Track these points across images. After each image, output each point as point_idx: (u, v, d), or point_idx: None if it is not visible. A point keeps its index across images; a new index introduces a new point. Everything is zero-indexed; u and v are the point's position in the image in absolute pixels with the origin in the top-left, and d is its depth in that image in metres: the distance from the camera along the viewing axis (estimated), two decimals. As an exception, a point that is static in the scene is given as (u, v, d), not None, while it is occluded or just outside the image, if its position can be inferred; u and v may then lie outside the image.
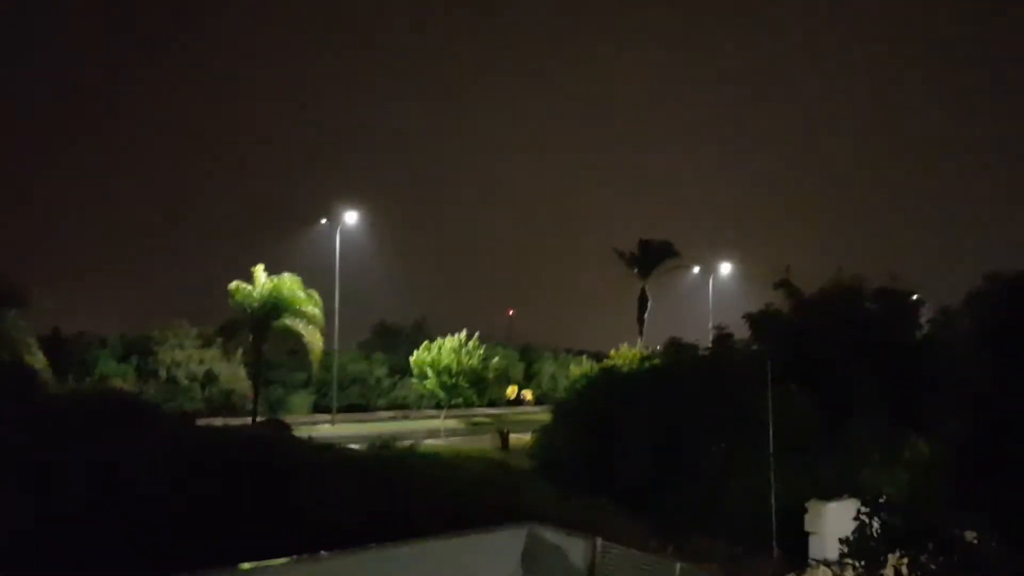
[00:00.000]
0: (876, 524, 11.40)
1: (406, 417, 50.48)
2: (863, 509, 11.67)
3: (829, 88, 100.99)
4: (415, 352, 43.22)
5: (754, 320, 22.48)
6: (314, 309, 35.59)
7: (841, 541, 11.76)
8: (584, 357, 54.08)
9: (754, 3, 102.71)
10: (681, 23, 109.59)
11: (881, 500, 11.96)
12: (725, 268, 68.28)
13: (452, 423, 44.75)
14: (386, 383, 56.80)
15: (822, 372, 19.77)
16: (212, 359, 45.69)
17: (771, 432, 16.92)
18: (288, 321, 34.63)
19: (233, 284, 35.18)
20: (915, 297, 22.30)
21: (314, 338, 35.68)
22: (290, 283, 35.26)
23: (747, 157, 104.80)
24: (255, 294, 34.83)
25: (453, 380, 41.95)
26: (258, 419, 34.28)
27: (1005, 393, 16.45)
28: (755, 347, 22.09)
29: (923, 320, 21.94)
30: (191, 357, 45.96)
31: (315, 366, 37.82)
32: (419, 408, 55.44)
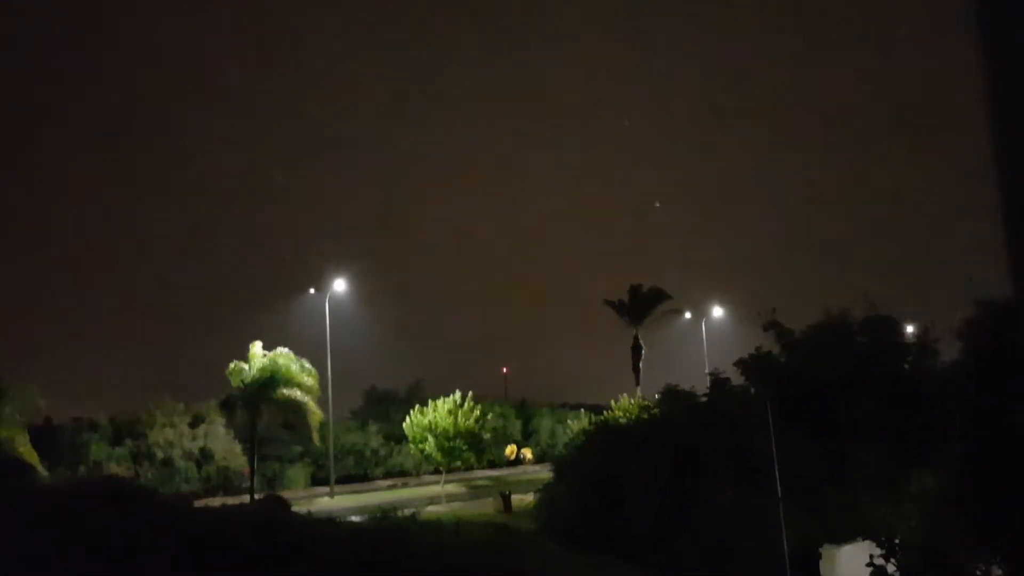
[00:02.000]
0: (892, 567, 11.24)
1: (405, 484, 49.83)
2: (877, 552, 11.51)
3: (810, 128, 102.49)
4: (408, 417, 42.89)
5: (746, 365, 22.40)
6: (310, 380, 35.40)
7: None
8: (582, 411, 53.73)
9: (722, 44, 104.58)
10: (654, 75, 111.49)
11: (896, 541, 11.81)
12: (717, 311, 68.50)
13: (452, 488, 44.22)
14: (382, 452, 56.23)
15: (820, 410, 19.67)
16: (205, 436, 45.20)
17: (777, 476, 16.76)
18: (286, 391, 34.43)
19: (232, 365, 35.11)
20: (910, 329, 22.32)
21: (312, 408, 35.46)
22: (285, 358, 35.16)
23: (729, 201, 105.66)
24: (251, 371, 34.68)
25: (451, 443, 41.54)
26: (256, 496, 33.76)
27: (1001, 421, 16.39)
28: (752, 391, 21.99)
29: (908, 341, 21.92)
30: (184, 435, 45.47)
31: (315, 437, 37.49)
32: (417, 474, 54.80)
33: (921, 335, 21.95)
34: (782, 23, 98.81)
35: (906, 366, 21.51)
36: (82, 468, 41.90)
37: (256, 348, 35.20)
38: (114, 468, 42.29)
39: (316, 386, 36.23)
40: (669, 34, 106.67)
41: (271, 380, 34.39)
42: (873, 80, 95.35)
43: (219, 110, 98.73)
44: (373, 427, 57.22)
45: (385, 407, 61.02)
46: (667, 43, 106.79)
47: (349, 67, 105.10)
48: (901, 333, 22.21)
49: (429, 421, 41.53)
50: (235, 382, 34.81)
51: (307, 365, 35.86)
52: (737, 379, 22.75)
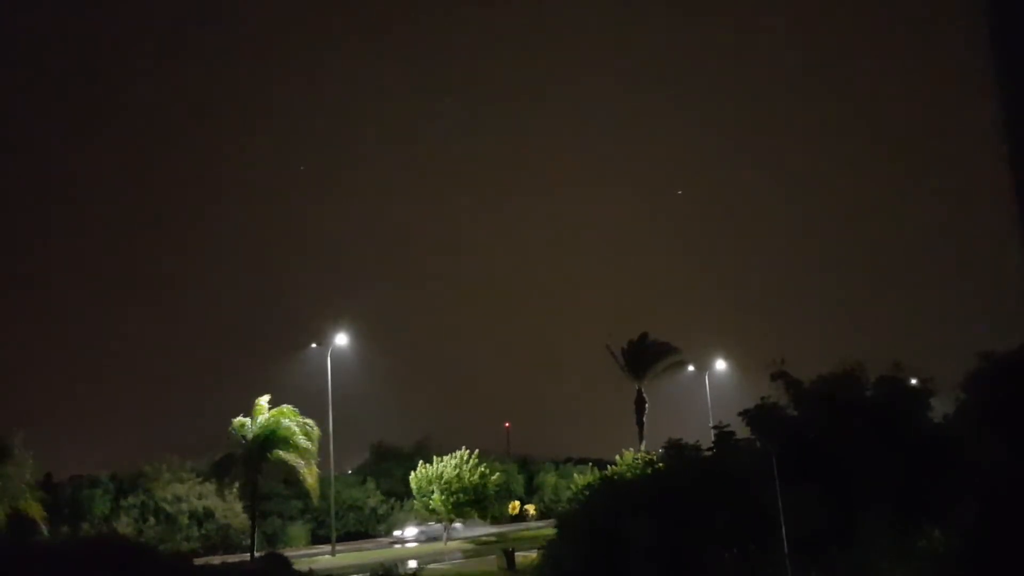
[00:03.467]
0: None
1: (406, 542, 49.24)
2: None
3: (816, 179, 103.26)
4: (413, 473, 42.58)
5: (752, 417, 22.17)
6: (307, 442, 34.93)
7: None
8: (590, 465, 53.32)
9: (727, 73, 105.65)
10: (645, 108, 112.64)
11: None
12: (720, 364, 68.29)
13: (455, 544, 43.65)
14: (382, 509, 55.65)
15: (828, 464, 19.44)
16: (207, 494, 44.85)
17: (784, 533, 16.53)
18: (283, 454, 34.05)
19: (236, 420, 34.88)
20: (914, 381, 22.15)
21: (309, 471, 34.94)
22: (287, 413, 34.92)
23: (729, 250, 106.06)
24: (253, 426, 34.45)
25: (456, 497, 41.22)
26: (257, 554, 33.32)
27: (1009, 474, 16.23)
28: (758, 444, 21.76)
29: (931, 408, 21.71)
30: (189, 491, 45.18)
31: (312, 497, 36.98)
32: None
33: (927, 387, 21.82)
34: (787, 68, 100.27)
35: (918, 420, 21.32)
36: (85, 525, 41.58)
37: (263, 401, 35.01)
38: (117, 525, 41.95)
39: (314, 448, 35.67)
40: (675, 84, 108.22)
41: (269, 439, 34.08)
42: (884, 133, 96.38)
43: (225, 171, 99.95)
44: (371, 484, 56.72)
45: (389, 464, 60.66)
46: (675, 90, 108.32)
47: (352, 124, 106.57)
48: (919, 392, 21.99)
49: (434, 474, 41.30)
50: (240, 434, 34.56)
51: (309, 423, 35.60)
52: (742, 432, 22.52)
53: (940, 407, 21.86)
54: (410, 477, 43.34)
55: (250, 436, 34.21)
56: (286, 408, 35.08)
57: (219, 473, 36.52)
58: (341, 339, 49.20)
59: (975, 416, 18.57)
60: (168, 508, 44.52)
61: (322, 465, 40.69)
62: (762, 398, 22.59)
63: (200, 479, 45.81)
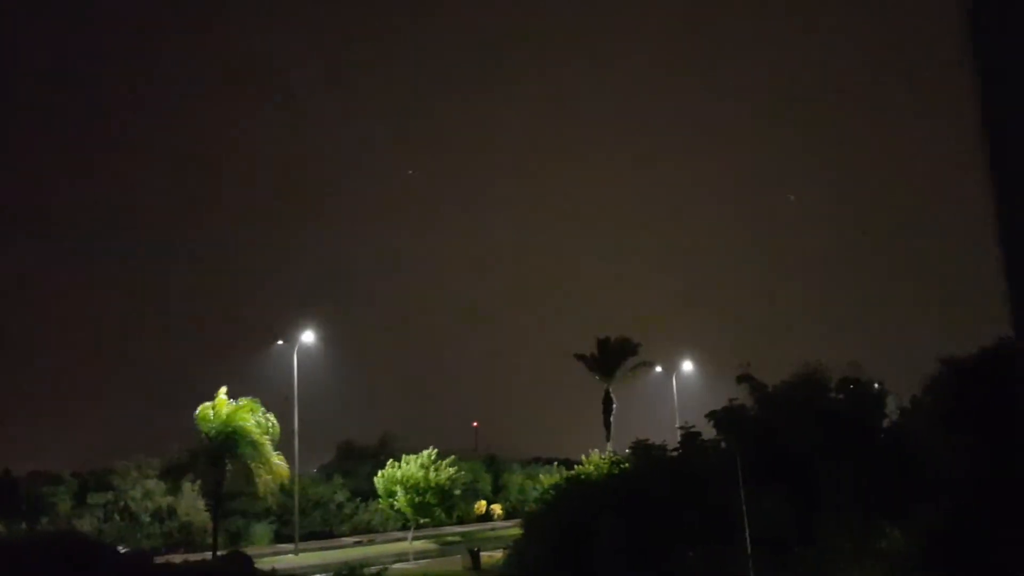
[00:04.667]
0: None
1: (372, 541, 48.94)
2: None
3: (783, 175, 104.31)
4: (380, 472, 42.31)
5: (719, 418, 22.37)
6: (264, 437, 34.26)
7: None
8: (556, 465, 53.38)
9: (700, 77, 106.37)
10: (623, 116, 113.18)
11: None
12: (687, 365, 68.72)
13: (420, 544, 43.48)
14: (348, 507, 55.30)
15: (791, 465, 19.64)
16: (169, 492, 44.29)
17: (747, 532, 16.65)
18: (244, 454, 33.52)
19: (201, 409, 34.18)
20: (876, 385, 22.47)
21: (267, 471, 34.31)
22: (249, 406, 34.36)
23: (699, 251, 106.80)
24: (213, 422, 33.87)
25: (421, 498, 41.02)
26: (219, 553, 32.89)
27: (966, 476, 16.48)
28: (723, 444, 21.93)
29: (889, 409, 22.03)
30: (155, 489, 44.58)
31: (269, 500, 36.43)
32: (385, 530, 53.87)
33: (886, 390, 22.17)
34: (761, 69, 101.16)
35: (879, 422, 21.63)
36: (44, 520, 40.94)
37: (222, 394, 34.42)
38: (79, 523, 41.34)
39: (270, 448, 34.95)
40: (642, 91, 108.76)
41: (231, 437, 33.55)
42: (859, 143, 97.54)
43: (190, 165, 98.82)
44: (339, 481, 56.35)
45: (356, 461, 60.27)
46: (643, 95, 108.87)
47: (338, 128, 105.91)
48: (879, 395, 22.33)
49: (401, 475, 41.06)
50: (204, 428, 33.96)
51: (270, 418, 35.10)
52: (708, 432, 22.70)
53: (898, 410, 22.22)
54: (375, 477, 43.02)
55: (213, 432, 33.69)
56: (247, 401, 34.53)
57: (178, 472, 35.90)
58: (308, 336, 48.84)
59: (935, 418, 18.84)
60: (134, 506, 43.92)
61: (288, 464, 40.34)
62: (729, 400, 22.82)
63: (163, 476, 45.29)
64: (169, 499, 44.40)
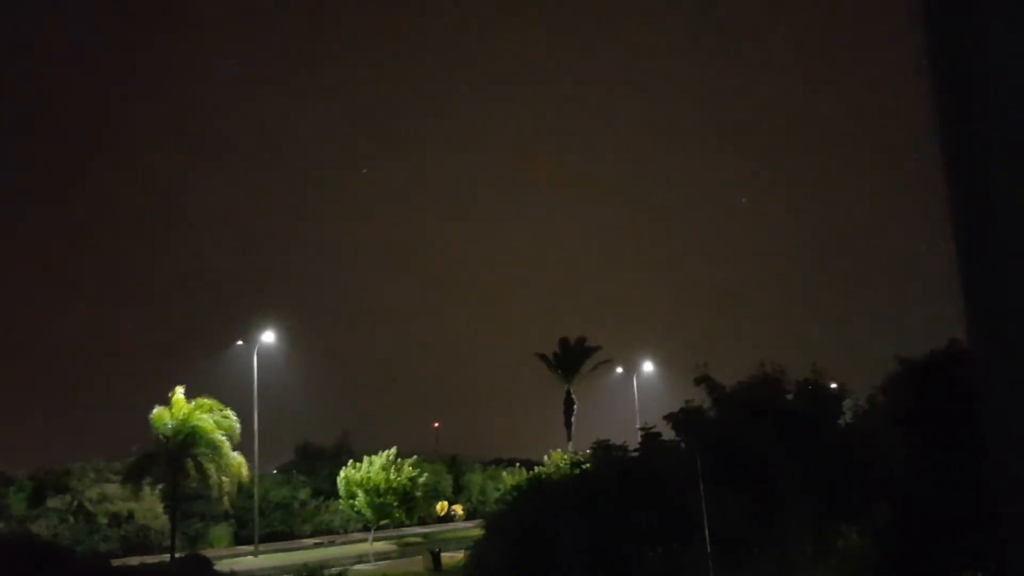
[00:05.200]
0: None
1: (332, 542, 48.66)
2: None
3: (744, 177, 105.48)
4: (342, 471, 42.10)
5: (677, 420, 22.53)
6: (223, 438, 33.92)
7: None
8: (517, 465, 53.46)
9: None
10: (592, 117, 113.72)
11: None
12: (647, 366, 69.20)
13: (381, 546, 43.32)
14: (310, 506, 54.93)
15: (749, 466, 19.89)
16: (127, 495, 43.65)
17: (706, 532, 16.85)
18: (201, 454, 33.14)
19: (156, 411, 33.72)
20: (834, 386, 22.81)
21: (224, 472, 33.99)
22: (208, 405, 34.00)
23: (657, 250, 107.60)
24: (170, 423, 33.44)
25: (382, 499, 40.87)
26: (177, 555, 32.51)
27: (918, 476, 16.84)
28: (683, 445, 22.12)
29: (846, 410, 22.38)
30: (113, 493, 43.89)
31: (225, 503, 35.99)
32: (346, 531, 53.59)
33: (843, 391, 22.53)
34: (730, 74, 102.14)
35: (836, 423, 21.98)
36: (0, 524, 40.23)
37: (179, 394, 33.99)
38: (34, 526, 40.58)
39: (229, 453, 34.60)
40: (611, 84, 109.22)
41: (189, 437, 33.18)
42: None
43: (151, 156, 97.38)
44: (301, 479, 56.00)
45: (315, 461, 59.87)
46: (605, 96, 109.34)
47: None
48: (837, 396, 22.65)
49: (361, 477, 40.86)
50: (159, 429, 33.49)
51: (230, 415, 34.75)
52: (668, 434, 22.87)
53: (855, 410, 22.58)
54: (337, 478, 42.79)
55: (170, 432, 33.27)
56: (205, 400, 34.15)
57: (137, 474, 35.35)
58: (268, 337, 48.40)
59: (889, 418, 19.22)
60: (91, 509, 43.19)
61: (248, 465, 39.95)
62: (686, 401, 23.00)
63: (124, 479, 44.71)
64: (129, 504, 43.80)
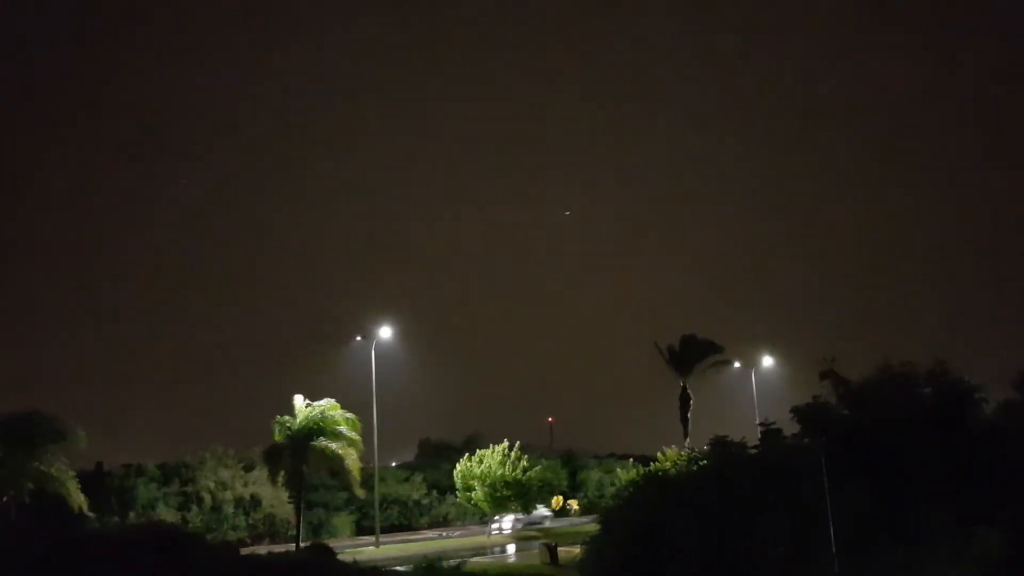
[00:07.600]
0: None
1: (450, 535, 49.47)
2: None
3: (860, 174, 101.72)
4: (457, 465, 42.73)
5: (803, 414, 21.86)
6: (351, 432, 35.19)
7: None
8: (631, 461, 52.99)
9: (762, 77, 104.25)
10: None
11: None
12: (767, 361, 67.40)
13: (498, 538, 43.72)
14: (425, 502, 56.00)
15: (880, 464, 19.07)
16: (255, 483, 45.46)
17: (832, 532, 16.25)
18: (326, 443, 34.31)
19: (277, 418, 35.22)
20: (966, 379, 21.61)
21: (352, 461, 35.13)
22: (329, 408, 35.20)
23: (776, 247, 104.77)
24: (295, 421, 34.78)
25: (499, 492, 41.31)
26: (302, 544, 33.65)
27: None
28: (806, 441, 21.42)
29: (981, 402, 21.20)
30: (235, 478, 45.75)
31: (355, 488, 37.02)
32: (463, 524, 54.37)
33: (977, 385, 21.29)
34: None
35: (974, 419, 20.83)
36: (132, 514, 42.27)
37: (297, 401, 35.31)
38: (162, 513, 42.59)
39: (358, 438, 35.81)
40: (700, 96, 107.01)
41: (313, 431, 34.37)
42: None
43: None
44: (418, 477, 57.14)
45: (436, 459, 61.09)
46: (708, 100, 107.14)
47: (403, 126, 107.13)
48: (970, 391, 21.45)
49: (481, 471, 41.41)
50: (279, 436, 34.88)
51: (350, 416, 35.82)
52: (789, 430, 22.22)
53: (993, 406, 21.39)
54: (455, 471, 43.46)
55: (295, 427, 34.56)
56: (327, 403, 35.30)
57: (270, 460, 36.71)
58: (385, 332, 49.26)
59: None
60: (209, 496, 45.01)
61: (368, 459, 41.06)
62: (814, 396, 22.35)
63: (244, 467, 46.51)
64: (251, 488, 45.55)
